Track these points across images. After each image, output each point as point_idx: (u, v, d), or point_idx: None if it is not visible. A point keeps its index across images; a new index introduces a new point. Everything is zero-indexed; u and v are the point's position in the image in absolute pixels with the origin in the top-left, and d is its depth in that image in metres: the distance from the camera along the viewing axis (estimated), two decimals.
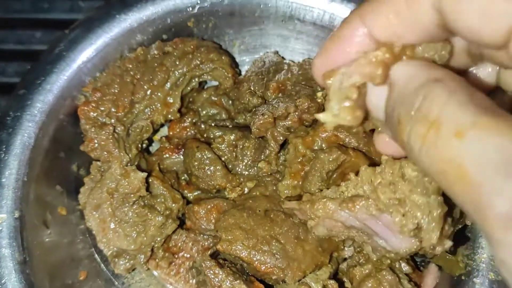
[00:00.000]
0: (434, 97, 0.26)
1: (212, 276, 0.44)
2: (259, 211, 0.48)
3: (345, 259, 0.51)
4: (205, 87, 0.60)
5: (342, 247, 0.49)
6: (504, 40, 0.26)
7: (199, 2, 0.54)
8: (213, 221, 0.51)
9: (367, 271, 0.47)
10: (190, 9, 0.55)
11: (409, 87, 0.28)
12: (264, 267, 0.46)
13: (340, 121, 0.31)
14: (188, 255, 0.54)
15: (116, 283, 0.54)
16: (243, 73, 0.60)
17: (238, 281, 0.43)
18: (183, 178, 0.56)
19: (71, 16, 0.71)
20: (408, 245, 0.37)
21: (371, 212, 0.37)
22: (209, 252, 0.49)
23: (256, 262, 0.46)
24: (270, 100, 0.54)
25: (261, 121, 0.50)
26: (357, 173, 0.39)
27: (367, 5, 0.31)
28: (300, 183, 0.48)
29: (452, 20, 0.27)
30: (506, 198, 0.22)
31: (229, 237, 0.46)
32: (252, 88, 0.56)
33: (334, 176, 0.46)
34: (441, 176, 0.25)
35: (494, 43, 0.26)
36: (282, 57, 0.59)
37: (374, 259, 0.41)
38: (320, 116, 0.31)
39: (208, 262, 0.44)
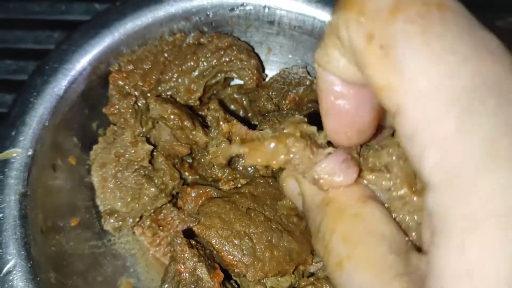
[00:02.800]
0: (326, 223, 0.29)
1: (180, 253, 0.47)
2: (242, 207, 0.51)
3: (312, 274, 0.53)
4: (231, 83, 0.63)
5: (310, 261, 0.51)
6: None
7: (244, 4, 0.58)
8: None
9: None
10: (234, 8, 0.58)
11: (311, 206, 0.31)
12: (229, 258, 0.48)
13: None
14: (173, 232, 0.57)
15: (103, 239, 0.58)
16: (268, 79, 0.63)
17: (201, 263, 0.46)
18: (188, 160, 0.60)
19: (86, 18, 0.74)
20: None
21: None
22: (182, 228, 0.53)
23: (224, 252, 0.49)
24: (283, 109, 0.57)
25: (266, 126, 0.53)
26: None
27: None
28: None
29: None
30: None
31: (207, 223, 0.50)
32: (270, 94, 0.59)
33: None
34: None
35: None
36: (308, 73, 0.61)
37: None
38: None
39: (179, 239, 0.47)
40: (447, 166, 0.21)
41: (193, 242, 0.49)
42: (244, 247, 0.49)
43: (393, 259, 0.26)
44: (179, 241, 0.47)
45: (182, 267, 0.47)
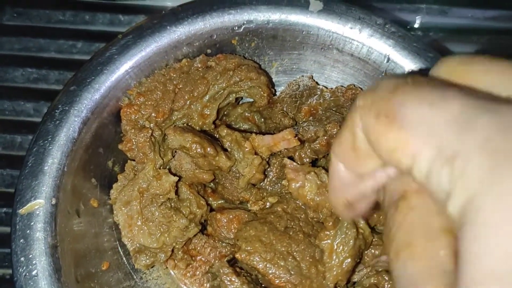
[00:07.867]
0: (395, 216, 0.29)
1: (228, 283, 0.46)
2: (279, 226, 0.51)
3: (354, 283, 0.53)
4: (240, 102, 0.63)
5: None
6: None
7: (245, 22, 0.58)
8: (233, 230, 0.54)
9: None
10: (236, 28, 0.58)
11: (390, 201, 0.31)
12: (278, 281, 0.48)
13: None
14: (205, 260, 0.56)
15: (135, 277, 0.57)
16: (278, 93, 0.63)
17: None
18: (209, 186, 0.59)
19: (111, 28, 0.75)
20: None
21: None
22: (226, 259, 0.52)
23: (271, 275, 0.48)
24: (300, 122, 0.57)
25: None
26: None
27: None
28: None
29: None
30: None
31: (249, 248, 0.49)
32: (285, 109, 0.58)
33: None
34: None
35: None
36: (316, 82, 0.61)
37: None
38: None
39: (226, 269, 0.46)
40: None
41: (238, 270, 0.48)
42: (290, 267, 0.48)
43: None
44: (226, 271, 0.47)
45: None
